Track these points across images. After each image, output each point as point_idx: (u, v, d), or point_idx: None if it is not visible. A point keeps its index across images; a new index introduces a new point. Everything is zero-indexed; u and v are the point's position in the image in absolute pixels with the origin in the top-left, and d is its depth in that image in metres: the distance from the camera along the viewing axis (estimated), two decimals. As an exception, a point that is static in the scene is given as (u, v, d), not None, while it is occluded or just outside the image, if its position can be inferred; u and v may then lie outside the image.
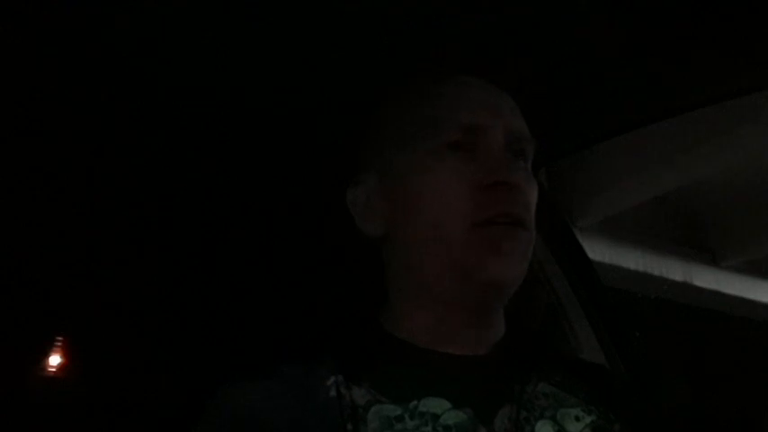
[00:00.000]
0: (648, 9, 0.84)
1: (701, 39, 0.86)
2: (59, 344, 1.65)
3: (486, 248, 0.64)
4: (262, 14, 0.83)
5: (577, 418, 0.65)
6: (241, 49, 0.90)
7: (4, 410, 1.40)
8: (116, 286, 1.40)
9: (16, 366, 1.50)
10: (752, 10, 0.81)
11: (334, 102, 0.98)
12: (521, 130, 0.70)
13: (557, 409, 0.65)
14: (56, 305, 1.44)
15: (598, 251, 3.61)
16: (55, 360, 1.65)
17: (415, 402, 0.62)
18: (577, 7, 0.84)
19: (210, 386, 0.66)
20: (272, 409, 0.63)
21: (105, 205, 1.25)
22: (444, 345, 0.68)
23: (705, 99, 0.96)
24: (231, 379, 0.67)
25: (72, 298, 1.41)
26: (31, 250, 1.32)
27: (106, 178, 1.19)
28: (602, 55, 0.91)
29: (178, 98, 1.00)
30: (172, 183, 1.21)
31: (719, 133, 3.01)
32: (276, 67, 0.93)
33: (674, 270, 4.12)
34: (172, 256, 1.37)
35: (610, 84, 0.97)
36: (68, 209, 1.25)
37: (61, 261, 1.36)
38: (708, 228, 4.24)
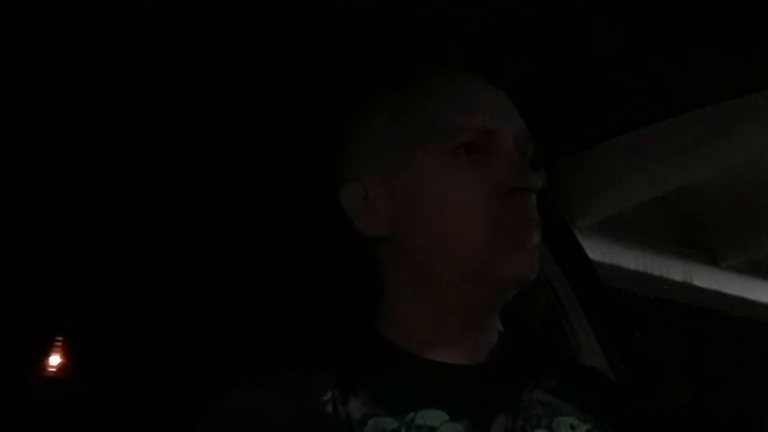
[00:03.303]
0: (648, 9, 0.84)
1: (701, 39, 0.86)
2: (59, 344, 1.65)
3: (510, 246, 0.65)
4: (261, 14, 0.83)
5: (573, 427, 0.65)
6: (240, 49, 0.90)
7: (4, 410, 1.40)
8: (116, 286, 1.40)
9: (16, 366, 1.50)
10: (752, 10, 0.81)
11: (334, 102, 0.98)
12: (525, 132, 0.72)
13: (552, 417, 0.65)
14: (56, 305, 1.44)
15: (598, 251, 3.61)
16: (55, 360, 1.65)
17: (411, 415, 0.62)
18: (577, 7, 0.84)
19: (210, 386, 0.67)
20: (271, 409, 0.63)
21: (105, 205, 1.25)
22: (441, 352, 0.67)
23: (705, 99, 0.96)
24: (230, 381, 0.67)
25: (72, 298, 1.41)
26: (31, 250, 1.32)
27: (106, 178, 1.19)
28: (602, 55, 0.91)
29: (177, 98, 1.00)
30: (171, 183, 1.21)
31: (719, 133, 3.00)
32: (275, 66, 0.93)
33: (674, 270, 4.12)
34: (171, 257, 1.37)
35: (610, 84, 0.97)
36: (68, 209, 1.25)
37: (61, 261, 1.36)
38: (708, 228, 4.24)
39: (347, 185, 0.72)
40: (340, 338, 0.71)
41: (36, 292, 1.38)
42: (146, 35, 0.88)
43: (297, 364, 0.67)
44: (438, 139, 0.68)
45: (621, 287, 3.69)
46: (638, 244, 3.97)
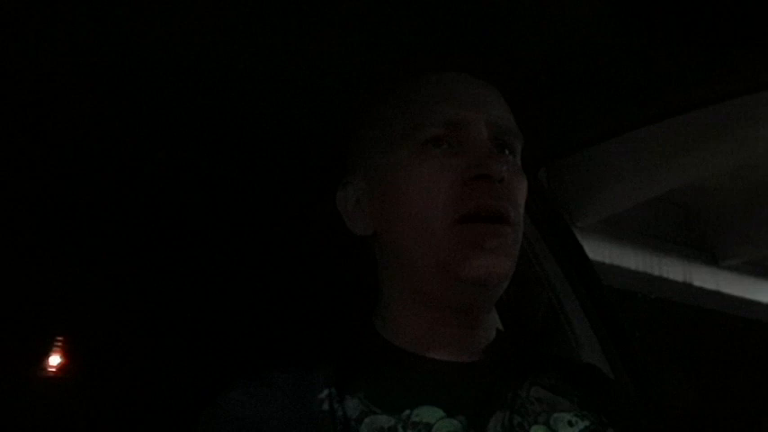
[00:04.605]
0: (648, 9, 0.84)
1: (702, 39, 0.86)
2: (59, 344, 1.65)
3: (469, 246, 0.64)
4: (260, 14, 0.83)
5: (570, 423, 0.65)
6: (240, 48, 0.90)
7: (5, 410, 1.40)
8: (116, 286, 1.40)
9: (16, 366, 1.50)
10: (752, 10, 0.81)
11: (332, 102, 0.98)
12: (505, 123, 0.70)
13: (550, 414, 0.65)
14: (56, 305, 1.44)
15: (598, 251, 3.61)
16: (55, 360, 1.65)
17: (408, 412, 0.62)
18: (577, 7, 0.84)
19: (209, 386, 0.67)
20: (270, 410, 0.63)
21: (105, 205, 1.25)
22: (437, 350, 0.67)
23: (705, 99, 0.96)
24: (230, 381, 0.67)
25: (72, 298, 1.41)
26: (31, 250, 1.32)
27: (106, 178, 1.19)
28: (602, 54, 0.91)
29: (178, 98, 1.00)
30: (171, 183, 1.21)
31: (719, 133, 3.00)
32: (276, 66, 0.93)
33: (674, 270, 4.12)
34: (171, 257, 1.37)
35: (610, 84, 0.97)
36: (68, 209, 1.26)
37: (61, 261, 1.36)
38: (708, 228, 4.24)
39: (341, 189, 0.74)
40: (338, 338, 0.72)
41: (36, 292, 1.38)
42: (146, 35, 0.88)
43: (295, 364, 0.67)
44: (407, 136, 0.68)
45: (621, 287, 3.69)
46: (638, 244, 3.97)
